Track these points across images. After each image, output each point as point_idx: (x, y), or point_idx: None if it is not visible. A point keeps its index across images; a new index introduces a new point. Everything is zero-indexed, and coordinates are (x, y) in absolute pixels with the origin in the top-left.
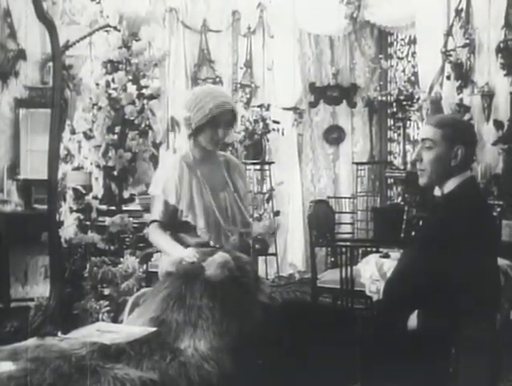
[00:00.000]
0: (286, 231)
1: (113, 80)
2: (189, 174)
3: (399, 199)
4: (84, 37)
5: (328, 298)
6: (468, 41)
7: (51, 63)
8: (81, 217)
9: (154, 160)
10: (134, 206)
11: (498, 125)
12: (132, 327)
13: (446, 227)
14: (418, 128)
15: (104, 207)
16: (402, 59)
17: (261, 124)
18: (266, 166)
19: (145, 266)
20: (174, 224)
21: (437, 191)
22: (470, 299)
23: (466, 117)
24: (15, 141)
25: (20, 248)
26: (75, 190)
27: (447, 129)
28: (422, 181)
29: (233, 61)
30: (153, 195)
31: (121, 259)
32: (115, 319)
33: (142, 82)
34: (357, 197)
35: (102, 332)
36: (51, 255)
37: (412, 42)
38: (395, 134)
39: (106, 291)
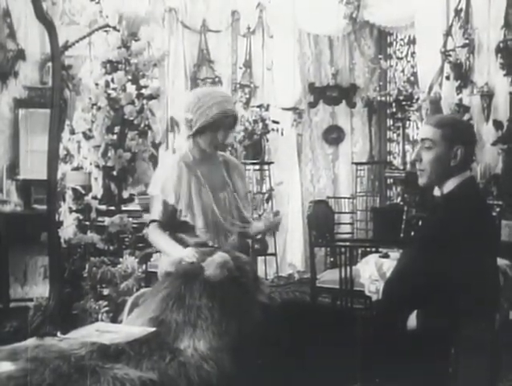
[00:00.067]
0: (286, 231)
1: (112, 80)
2: (188, 174)
3: (399, 199)
4: (84, 37)
5: (327, 298)
6: (467, 41)
7: (50, 64)
8: (81, 217)
9: (154, 160)
10: (134, 206)
11: (498, 125)
12: (131, 327)
13: (445, 228)
14: (417, 128)
15: (103, 207)
16: (401, 59)
17: (260, 124)
18: (266, 166)
19: (144, 266)
20: (173, 224)
21: (437, 191)
22: (469, 299)
23: (465, 117)
24: (15, 141)
25: (19, 248)
26: (74, 190)
27: (446, 129)
28: (421, 181)
29: (233, 61)
30: (152, 194)
31: (121, 259)
32: (114, 319)
33: (142, 82)
34: (356, 197)
35: (101, 332)
36: (51, 255)
37: (411, 42)
38: (395, 134)
39: (105, 291)
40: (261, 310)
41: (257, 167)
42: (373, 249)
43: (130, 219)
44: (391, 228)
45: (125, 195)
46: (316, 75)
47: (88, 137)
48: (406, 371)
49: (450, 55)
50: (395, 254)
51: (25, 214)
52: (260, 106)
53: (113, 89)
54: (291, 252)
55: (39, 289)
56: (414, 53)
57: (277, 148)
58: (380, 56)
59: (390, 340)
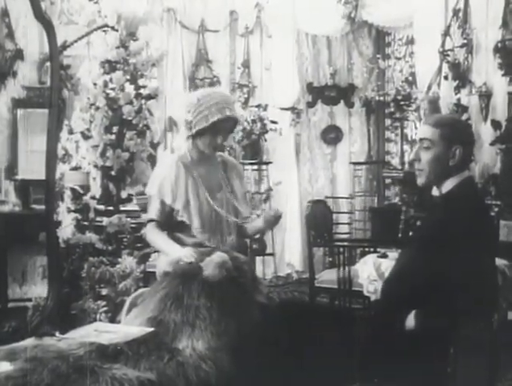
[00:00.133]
0: (284, 231)
1: (110, 80)
2: (186, 175)
3: (397, 199)
4: (82, 37)
5: (325, 298)
6: (465, 41)
7: (48, 63)
8: (79, 217)
9: (152, 160)
10: (132, 206)
11: (496, 125)
12: (130, 327)
13: (444, 228)
14: (415, 128)
15: (102, 207)
16: (399, 59)
17: (258, 124)
18: (264, 166)
19: (142, 266)
20: (170, 224)
21: (435, 191)
22: (468, 299)
23: (464, 117)
24: (13, 141)
25: (18, 248)
26: (73, 190)
27: (445, 128)
28: (420, 181)
29: (231, 61)
30: (150, 194)
31: (119, 259)
32: (113, 319)
33: (140, 82)
34: (354, 197)
35: (100, 332)
36: (49, 255)
37: (410, 42)
38: (393, 134)
39: (104, 291)
40: (259, 310)
41: (255, 167)
42: (372, 249)
43: (129, 219)
44: (389, 228)
45: (124, 195)
46: (314, 75)
47: (86, 136)
48: (405, 371)
49: (448, 55)
50: (393, 254)
51: (23, 214)
52: (258, 106)
53: (112, 89)
54: (289, 252)
55: (37, 289)
56: (412, 53)
57: (275, 148)
58: (378, 56)
59: (388, 340)
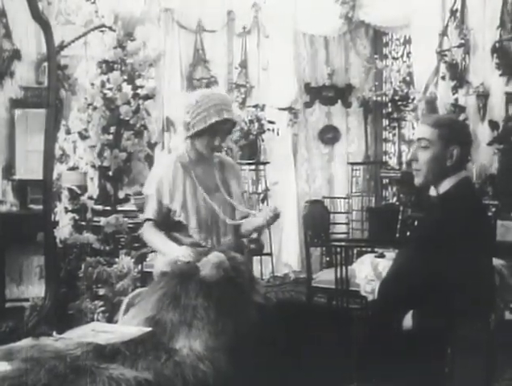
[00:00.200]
0: (281, 231)
1: (108, 80)
2: (183, 175)
3: (394, 199)
4: (80, 37)
5: (322, 298)
6: (463, 41)
7: (46, 64)
8: (76, 217)
9: (150, 160)
10: (129, 206)
11: (493, 125)
12: (127, 327)
13: (441, 228)
14: (413, 128)
15: (99, 207)
16: (397, 59)
17: (256, 124)
18: (261, 166)
19: (140, 266)
20: (167, 224)
21: (432, 191)
22: (465, 299)
23: (461, 117)
24: (10, 141)
25: (15, 248)
26: (70, 190)
27: (443, 129)
28: (417, 181)
29: (228, 61)
30: (147, 193)
31: (117, 259)
32: (110, 319)
33: (138, 82)
34: (352, 197)
35: (97, 332)
36: (47, 255)
37: (407, 42)
38: (390, 134)
39: (101, 291)
40: (256, 310)
41: (252, 167)
42: (369, 249)
43: (126, 219)
44: (387, 228)
45: (121, 195)
46: (312, 75)
47: (83, 137)
48: (402, 371)
49: (446, 55)
50: (391, 254)
51: (21, 214)
52: (256, 106)
53: (109, 89)
54: (286, 252)
55: (34, 289)
56: (409, 53)
57: (272, 148)
58: (376, 56)
59: (385, 340)
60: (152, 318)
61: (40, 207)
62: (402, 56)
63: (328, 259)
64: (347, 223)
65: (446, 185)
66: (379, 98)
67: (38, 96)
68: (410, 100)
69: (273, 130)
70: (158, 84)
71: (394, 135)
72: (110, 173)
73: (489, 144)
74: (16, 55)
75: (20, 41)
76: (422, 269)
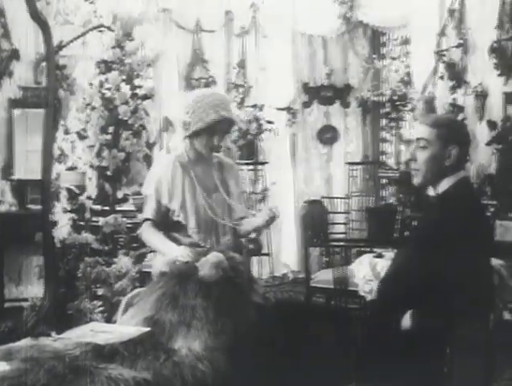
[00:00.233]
0: (280, 231)
1: (106, 80)
2: (182, 175)
3: (393, 199)
4: (78, 37)
5: (321, 298)
6: (461, 41)
7: (44, 63)
8: (75, 217)
9: (148, 160)
10: (128, 206)
11: (492, 125)
12: (126, 327)
13: (440, 228)
14: (411, 128)
15: (98, 207)
16: (395, 59)
17: (254, 124)
18: (260, 166)
19: (138, 266)
20: (166, 224)
21: (431, 191)
22: (464, 299)
23: (460, 117)
24: (9, 141)
25: (14, 248)
26: (69, 190)
27: (442, 128)
28: (416, 180)
29: (227, 61)
30: (146, 193)
31: (115, 259)
32: (109, 319)
33: (136, 82)
34: (350, 197)
35: (96, 332)
36: (45, 255)
37: (406, 42)
38: (388, 134)
39: (100, 291)
40: (255, 310)
41: (251, 167)
42: (368, 249)
43: (125, 219)
44: (385, 228)
45: (120, 195)
46: (310, 75)
47: (82, 137)
48: (401, 371)
49: (444, 55)
50: (389, 254)
51: (19, 214)
52: (254, 106)
53: (108, 89)
54: (285, 252)
55: (33, 289)
56: (408, 53)
57: (271, 148)
58: (374, 56)
59: (384, 340)
60: (151, 318)
61: (39, 207)
62: (400, 56)
63: (326, 259)
64: (345, 223)
65: (445, 185)
66: (377, 98)
67: (36, 96)
68: (408, 100)
69: (271, 130)
70: (156, 84)
71: (392, 135)
72: (109, 173)
73: (488, 144)
74: (15, 54)
75: (19, 41)
76: (420, 269)
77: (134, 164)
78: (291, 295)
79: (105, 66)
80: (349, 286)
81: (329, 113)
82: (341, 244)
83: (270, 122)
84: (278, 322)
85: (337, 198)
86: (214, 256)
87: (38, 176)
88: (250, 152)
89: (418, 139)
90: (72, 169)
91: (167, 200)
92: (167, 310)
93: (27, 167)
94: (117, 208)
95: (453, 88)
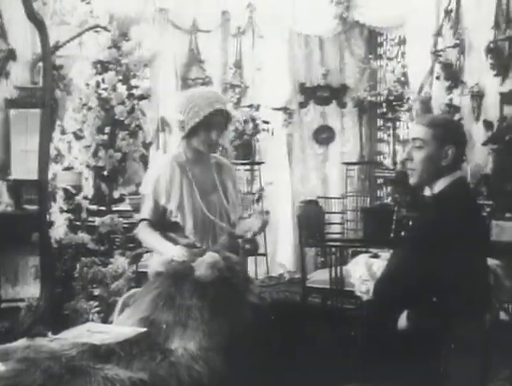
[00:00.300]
0: (276, 231)
1: (103, 80)
2: (180, 175)
3: (389, 199)
4: (75, 37)
5: (317, 298)
6: (457, 41)
7: (41, 64)
8: (71, 217)
9: (144, 160)
10: (124, 206)
11: (488, 125)
12: (122, 328)
13: (436, 228)
14: (407, 128)
15: (94, 207)
16: (391, 59)
17: (251, 124)
18: (256, 167)
19: (135, 266)
20: (163, 224)
21: (427, 191)
22: (460, 299)
23: (456, 117)
24: (5, 141)
25: (10, 248)
26: (65, 190)
27: (438, 128)
28: (412, 180)
29: (223, 61)
30: (143, 193)
31: (111, 259)
32: (105, 320)
33: (132, 82)
34: (346, 197)
35: (92, 332)
36: (42, 255)
37: (402, 42)
38: (385, 134)
39: (96, 291)
40: (251, 310)
41: (247, 167)
42: (364, 249)
43: (121, 219)
44: (381, 228)
45: (116, 195)
46: (307, 75)
47: (78, 137)
48: (397, 371)
49: (440, 56)
50: (385, 254)
51: (16, 214)
52: (250, 106)
53: (104, 89)
54: (281, 252)
55: (30, 290)
56: (404, 53)
57: (267, 148)
58: (370, 56)
59: (380, 340)
60: (147, 318)
61: (35, 207)
62: (396, 56)
63: (322, 259)
64: (341, 224)
65: (441, 185)
66: (374, 98)
67: (33, 97)
68: (404, 101)
69: (267, 130)
70: (152, 84)
71: (388, 135)
72: (105, 173)
73: (484, 144)
74: (11, 55)
75: (15, 41)
76: (416, 269)
77: (131, 164)
78: (286, 295)
79: (102, 66)
80: (345, 286)
81: (325, 113)
82: (337, 244)
83: (266, 122)
84: (274, 322)
85: (333, 198)
86: (210, 257)
87: (34, 176)
88: (246, 152)
89: (414, 139)
90: (68, 169)
91: (165, 200)
92: (162, 311)
93: (24, 167)
94: (114, 208)
95: (450, 89)
